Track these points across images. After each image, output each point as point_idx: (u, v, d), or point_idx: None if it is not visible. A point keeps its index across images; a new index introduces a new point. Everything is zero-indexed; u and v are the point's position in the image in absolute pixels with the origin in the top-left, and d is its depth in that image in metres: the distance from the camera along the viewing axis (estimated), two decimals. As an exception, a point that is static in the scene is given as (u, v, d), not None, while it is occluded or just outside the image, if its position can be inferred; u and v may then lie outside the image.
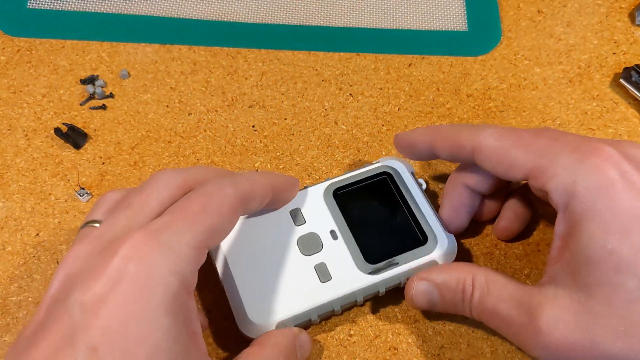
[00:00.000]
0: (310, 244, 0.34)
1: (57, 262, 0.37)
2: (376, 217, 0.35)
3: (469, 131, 0.31)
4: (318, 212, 0.35)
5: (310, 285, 0.32)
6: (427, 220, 0.34)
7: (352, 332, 0.35)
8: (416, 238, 0.34)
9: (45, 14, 0.45)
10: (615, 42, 0.45)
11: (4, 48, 0.44)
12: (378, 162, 0.37)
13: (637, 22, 0.45)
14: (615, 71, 0.44)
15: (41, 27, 0.45)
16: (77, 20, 0.45)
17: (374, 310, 0.35)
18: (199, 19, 0.45)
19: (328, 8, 0.47)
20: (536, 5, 0.47)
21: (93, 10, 0.45)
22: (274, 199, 0.31)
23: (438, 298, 0.32)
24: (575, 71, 0.44)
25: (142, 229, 0.24)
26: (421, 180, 0.36)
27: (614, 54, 0.45)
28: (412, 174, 0.36)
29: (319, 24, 0.46)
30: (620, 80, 0.43)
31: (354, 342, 0.35)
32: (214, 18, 0.46)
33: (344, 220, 0.34)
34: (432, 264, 0.33)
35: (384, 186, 0.36)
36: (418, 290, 0.32)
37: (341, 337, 0.35)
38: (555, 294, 0.28)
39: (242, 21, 0.46)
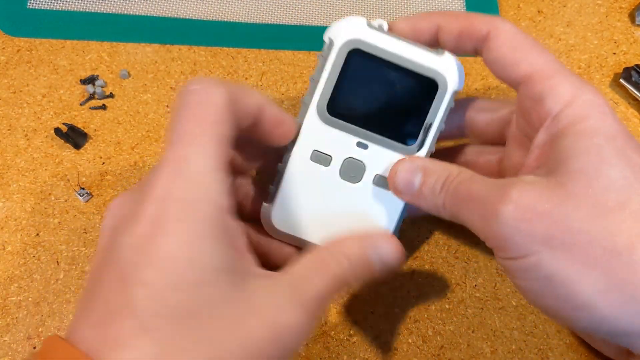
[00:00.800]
0: (353, 170, 0.32)
1: (57, 262, 0.37)
2: (381, 100, 0.32)
3: (484, 16, 0.31)
4: (330, 138, 0.32)
5: (383, 198, 0.32)
6: (421, 63, 0.31)
7: (352, 332, 0.35)
8: (426, 88, 0.32)
9: (45, 14, 0.45)
10: (615, 42, 0.45)
11: (4, 48, 0.44)
12: (332, 39, 0.31)
13: (637, 22, 0.45)
14: (615, 71, 0.44)
15: (41, 27, 0.45)
16: (77, 20, 0.45)
17: (374, 311, 0.35)
18: (199, 19, 0.45)
19: (328, 8, 0.47)
20: (536, 5, 0.47)
21: (93, 10, 0.45)
22: (267, 127, 0.30)
23: (420, 181, 0.31)
24: (575, 71, 0.44)
25: (165, 168, 0.25)
26: (380, 21, 0.32)
27: (614, 54, 0.45)
28: (374, 26, 0.31)
29: (318, 24, 0.46)
30: (620, 80, 0.43)
31: (354, 342, 0.35)
32: (214, 18, 0.46)
33: (358, 127, 0.32)
34: (455, 94, 0.32)
35: (361, 67, 0.31)
36: (404, 167, 0.31)
37: (341, 337, 0.35)
38: (533, 178, 0.27)
39: (242, 21, 0.46)
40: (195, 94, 0.26)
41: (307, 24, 0.46)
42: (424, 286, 0.36)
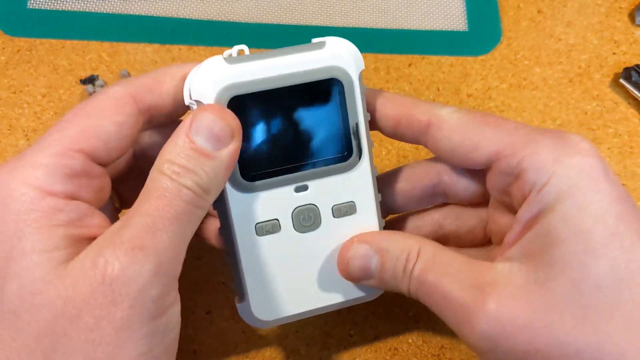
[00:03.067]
0: (307, 218, 0.28)
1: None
2: (291, 132, 0.27)
3: (425, 104, 0.28)
4: (264, 203, 0.28)
5: (354, 223, 0.29)
6: (308, 69, 0.27)
7: (352, 332, 0.35)
8: (329, 90, 0.27)
9: (45, 14, 0.45)
10: (615, 42, 0.45)
11: (4, 48, 0.44)
12: (199, 100, 0.26)
13: (637, 22, 0.45)
14: (615, 71, 0.44)
15: (41, 27, 0.45)
16: (77, 20, 0.45)
17: (374, 310, 0.35)
18: (199, 19, 0.45)
19: (328, 8, 0.47)
20: (536, 5, 0.47)
21: (93, 10, 0.45)
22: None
23: (377, 266, 0.27)
24: (575, 71, 0.44)
25: (15, 157, 0.25)
26: (237, 47, 0.27)
27: (614, 54, 0.45)
28: (234, 58, 0.26)
29: (319, 24, 0.46)
30: (620, 80, 0.43)
31: (354, 342, 0.35)
32: (214, 18, 0.46)
33: (285, 175, 0.28)
34: (360, 75, 0.27)
35: (249, 113, 0.27)
36: (356, 253, 0.27)
37: (341, 337, 0.35)
38: (510, 271, 0.24)
39: (242, 21, 0.46)
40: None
41: (307, 24, 0.46)
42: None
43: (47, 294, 0.22)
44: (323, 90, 0.27)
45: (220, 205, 0.27)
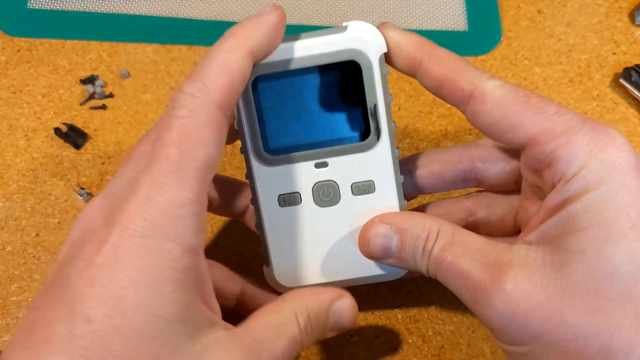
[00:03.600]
0: (327, 194, 0.29)
1: (57, 262, 0.37)
2: (313, 111, 0.29)
3: (471, 71, 0.27)
4: (286, 176, 0.29)
5: (372, 200, 0.29)
6: (329, 51, 0.28)
7: (352, 332, 0.35)
8: (350, 72, 0.28)
9: (45, 14, 0.45)
10: (615, 42, 0.45)
11: (4, 48, 0.44)
12: None
13: (637, 22, 0.45)
14: (615, 71, 0.44)
15: (41, 27, 0.45)
16: (77, 20, 0.45)
17: (374, 310, 0.35)
18: (199, 19, 0.45)
19: (328, 8, 0.47)
20: (536, 5, 0.47)
21: (93, 10, 0.45)
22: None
23: (397, 246, 0.28)
24: (575, 71, 0.44)
25: (137, 193, 0.23)
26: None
27: (614, 54, 0.45)
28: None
29: (319, 24, 0.46)
30: (620, 80, 0.43)
31: (354, 342, 0.35)
32: (213, 18, 0.46)
33: (307, 151, 0.29)
34: (383, 58, 0.28)
35: (274, 91, 0.29)
36: (377, 232, 0.28)
37: (341, 337, 0.35)
38: (527, 254, 0.25)
39: (242, 21, 0.46)
40: (184, 105, 0.24)
41: (307, 24, 0.46)
42: (424, 286, 0.36)
43: None
44: (343, 71, 0.28)
45: (249, 177, 0.29)
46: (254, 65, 0.26)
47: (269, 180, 0.29)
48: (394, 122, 0.29)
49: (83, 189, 0.39)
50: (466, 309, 0.36)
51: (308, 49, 0.28)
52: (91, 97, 0.42)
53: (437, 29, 0.46)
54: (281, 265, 0.30)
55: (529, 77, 0.44)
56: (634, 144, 0.41)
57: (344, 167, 0.29)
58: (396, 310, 0.35)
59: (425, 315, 0.35)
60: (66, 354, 0.21)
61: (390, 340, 0.35)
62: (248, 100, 0.28)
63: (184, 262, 0.23)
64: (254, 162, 0.29)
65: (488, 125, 0.27)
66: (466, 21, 0.46)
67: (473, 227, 0.31)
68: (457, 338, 0.35)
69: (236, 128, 0.29)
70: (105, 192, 0.26)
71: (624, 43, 0.45)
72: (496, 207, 0.32)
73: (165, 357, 0.22)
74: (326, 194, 0.29)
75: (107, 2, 0.46)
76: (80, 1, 0.46)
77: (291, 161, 0.29)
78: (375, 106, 0.28)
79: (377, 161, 0.29)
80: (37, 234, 0.38)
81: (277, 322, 0.26)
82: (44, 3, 0.45)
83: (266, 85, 0.28)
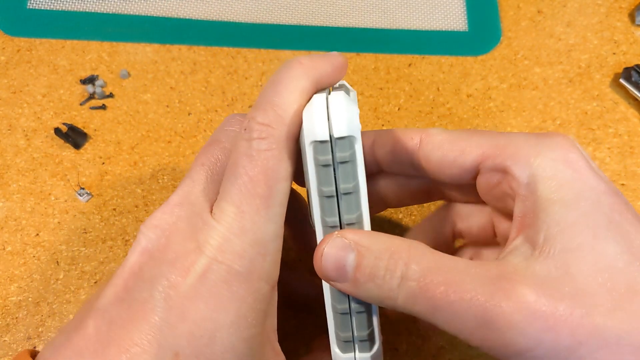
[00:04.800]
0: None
1: (57, 262, 0.37)
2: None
3: (415, 129, 0.28)
4: None
5: None
6: None
7: (352, 332, 0.35)
8: None
9: (45, 14, 0.45)
10: (615, 42, 0.45)
11: (4, 48, 0.44)
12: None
13: (637, 22, 0.45)
14: (615, 71, 0.44)
15: (41, 27, 0.45)
16: (77, 20, 0.45)
17: (374, 310, 0.35)
18: (199, 19, 0.45)
19: (328, 8, 0.47)
20: (536, 5, 0.47)
21: (93, 10, 0.45)
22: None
23: (353, 264, 0.23)
24: (575, 71, 0.44)
25: (226, 219, 0.22)
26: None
27: (614, 54, 0.45)
28: None
29: (319, 24, 0.46)
30: (620, 80, 0.43)
31: (354, 342, 0.35)
32: (214, 18, 0.46)
33: None
34: (323, 144, 0.23)
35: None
36: (331, 246, 0.24)
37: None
38: (527, 263, 0.23)
39: (242, 21, 0.46)
40: (263, 138, 0.23)
41: (307, 24, 0.46)
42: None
43: None
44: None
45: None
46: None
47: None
48: (351, 216, 0.24)
49: (83, 189, 0.39)
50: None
51: None
52: (91, 97, 0.42)
53: (437, 29, 0.46)
54: (332, 332, 0.26)
55: (529, 77, 0.44)
56: (634, 144, 0.41)
57: None
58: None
59: (425, 315, 0.35)
60: None
61: (390, 340, 0.35)
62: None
63: (271, 300, 0.23)
64: None
65: (439, 160, 0.27)
66: (466, 21, 0.46)
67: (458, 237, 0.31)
68: (456, 339, 0.35)
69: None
70: (181, 195, 0.24)
71: (624, 43, 0.45)
72: (474, 216, 0.30)
73: None
74: None
75: (107, 2, 0.46)
76: (80, 1, 0.46)
77: None
78: (308, 194, 0.24)
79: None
80: (37, 234, 0.38)
81: None
82: (44, 3, 0.45)
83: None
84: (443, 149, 0.27)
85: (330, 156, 0.23)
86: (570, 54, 0.45)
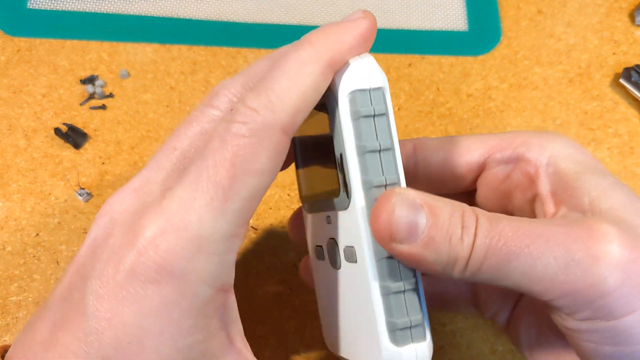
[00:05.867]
0: (332, 253, 0.25)
1: (57, 262, 0.37)
2: (320, 161, 0.24)
3: (403, 139, 0.27)
4: (315, 226, 0.26)
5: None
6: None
7: (352, 332, 0.35)
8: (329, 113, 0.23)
9: (45, 14, 0.45)
10: (615, 42, 0.45)
11: (4, 48, 0.44)
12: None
13: (637, 22, 0.45)
14: (615, 71, 0.44)
15: (41, 27, 0.45)
16: (77, 20, 0.45)
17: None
18: (199, 19, 0.45)
19: (328, 8, 0.47)
20: (536, 5, 0.47)
21: (93, 10, 0.45)
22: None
23: (427, 223, 0.21)
24: (575, 71, 0.44)
25: (168, 211, 0.20)
26: None
27: (614, 54, 0.45)
28: None
29: (319, 24, 0.46)
30: (620, 80, 0.43)
31: (354, 342, 0.35)
32: (214, 18, 0.46)
33: (318, 202, 0.25)
34: (367, 93, 0.22)
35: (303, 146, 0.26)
36: (400, 202, 0.21)
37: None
38: (601, 215, 0.22)
39: (242, 21, 0.46)
40: (245, 122, 0.20)
41: (307, 24, 0.46)
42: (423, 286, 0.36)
43: None
44: (325, 115, 0.23)
45: (305, 221, 0.27)
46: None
47: (310, 228, 0.26)
48: (391, 175, 0.22)
49: (83, 189, 0.39)
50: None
51: None
52: (91, 97, 0.42)
53: (437, 29, 0.46)
54: (324, 323, 0.27)
55: (529, 77, 0.44)
56: (634, 144, 0.41)
57: (338, 226, 0.24)
58: (396, 310, 0.35)
59: (425, 315, 0.35)
60: None
61: (390, 340, 0.35)
62: (293, 152, 0.25)
63: (214, 304, 0.20)
64: (303, 207, 0.27)
65: (440, 162, 0.26)
66: (466, 21, 0.46)
67: None
68: (457, 338, 0.35)
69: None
70: (140, 181, 0.22)
71: (624, 43, 0.45)
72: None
73: None
74: (332, 254, 0.24)
75: (107, 2, 0.46)
76: (80, 1, 0.46)
77: (314, 210, 0.26)
78: (341, 156, 0.22)
79: (352, 225, 0.22)
80: (37, 234, 0.38)
81: None
82: (44, 3, 0.45)
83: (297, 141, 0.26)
84: (444, 149, 0.26)
85: (372, 107, 0.21)
86: (570, 54, 0.45)
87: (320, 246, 0.25)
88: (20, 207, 0.38)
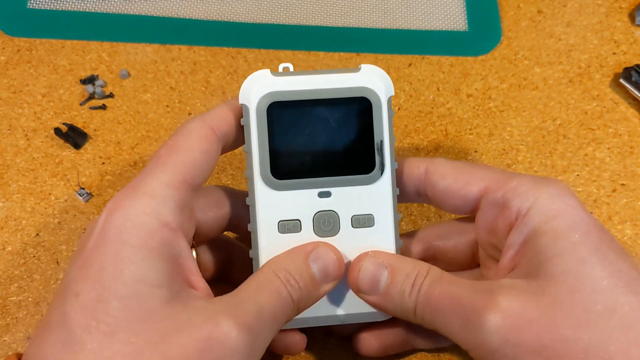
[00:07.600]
0: (327, 223, 0.30)
1: (57, 262, 0.37)
2: (322, 141, 0.30)
3: (419, 158, 0.32)
4: (289, 202, 0.30)
5: (370, 235, 0.30)
6: (343, 87, 0.30)
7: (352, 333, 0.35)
8: (360, 109, 0.30)
9: (45, 14, 0.45)
10: (615, 42, 0.45)
11: (4, 48, 0.44)
12: (245, 104, 0.29)
13: (637, 22, 0.45)
14: (615, 71, 0.44)
15: (41, 27, 0.45)
16: (77, 20, 0.45)
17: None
18: (199, 19, 0.45)
19: (328, 8, 0.47)
20: (536, 5, 0.47)
21: (93, 10, 0.45)
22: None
23: (386, 281, 0.28)
24: (575, 71, 0.44)
25: (130, 183, 0.27)
26: (284, 65, 0.31)
27: (614, 54, 0.45)
28: (280, 72, 0.30)
29: (319, 24, 0.46)
30: (620, 80, 0.43)
31: (354, 342, 0.35)
32: (214, 18, 0.46)
33: (312, 179, 0.30)
34: (390, 100, 0.30)
35: (287, 118, 0.30)
36: (369, 263, 0.29)
37: (342, 337, 0.35)
38: (513, 282, 0.26)
39: (242, 21, 0.46)
40: (179, 131, 0.28)
41: (307, 24, 0.46)
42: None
43: (151, 328, 0.23)
44: (354, 106, 0.30)
45: (250, 201, 0.29)
46: (269, 93, 0.29)
47: (272, 204, 0.29)
48: (395, 162, 0.30)
49: (83, 189, 0.39)
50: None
51: (324, 83, 0.29)
52: (91, 97, 0.42)
53: (437, 29, 0.46)
54: None
55: (529, 77, 0.44)
56: (634, 144, 0.41)
57: (346, 199, 0.30)
58: (396, 310, 0.35)
59: (425, 315, 0.35)
60: (61, 333, 0.23)
61: (390, 340, 0.35)
62: (261, 124, 0.29)
63: (160, 235, 0.25)
64: (259, 185, 0.29)
65: (444, 189, 0.30)
66: (466, 21, 0.46)
67: (432, 257, 0.33)
68: (457, 338, 0.35)
69: (244, 150, 0.29)
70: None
71: (624, 43, 0.45)
72: (453, 238, 0.33)
73: (146, 318, 0.23)
74: (326, 224, 0.30)
75: (107, 2, 0.46)
76: (80, 1, 0.46)
77: (296, 187, 0.29)
78: (381, 142, 0.30)
79: (378, 195, 0.30)
80: (37, 234, 0.38)
81: (258, 281, 0.27)
82: (44, 3, 0.45)
83: (280, 112, 0.29)
84: (448, 179, 0.30)
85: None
86: (570, 54, 0.45)
87: (294, 220, 0.29)
88: (20, 207, 0.38)
